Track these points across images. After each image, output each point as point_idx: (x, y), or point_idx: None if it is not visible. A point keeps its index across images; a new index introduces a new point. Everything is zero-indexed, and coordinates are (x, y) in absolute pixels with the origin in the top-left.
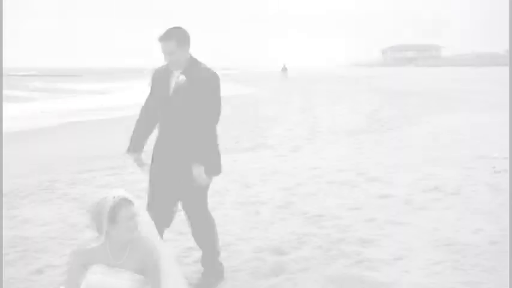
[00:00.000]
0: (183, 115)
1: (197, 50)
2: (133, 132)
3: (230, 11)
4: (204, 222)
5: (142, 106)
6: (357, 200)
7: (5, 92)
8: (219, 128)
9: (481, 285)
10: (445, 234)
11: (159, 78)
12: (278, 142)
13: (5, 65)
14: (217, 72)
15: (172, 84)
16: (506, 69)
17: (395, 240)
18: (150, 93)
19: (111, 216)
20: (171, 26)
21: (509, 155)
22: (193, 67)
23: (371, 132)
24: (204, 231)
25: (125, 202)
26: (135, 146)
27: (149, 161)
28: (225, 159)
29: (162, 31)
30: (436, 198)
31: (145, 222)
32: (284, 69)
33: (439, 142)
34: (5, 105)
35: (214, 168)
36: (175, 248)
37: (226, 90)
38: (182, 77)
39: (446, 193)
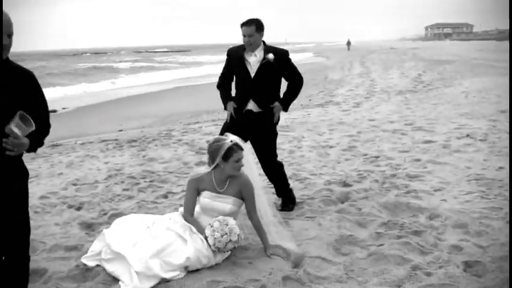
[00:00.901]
0: (266, 81)
1: (284, 29)
2: (222, 93)
3: None
4: (275, 164)
5: (221, 75)
6: (405, 145)
7: (143, 64)
8: None
9: (502, 210)
10: (475, 171)
11: (235, 55)
12: (342, 100)
13: (142, 44)
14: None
15: (251, 60)
16: None
17: (435, 176)
18: (226, 67)
19: (225, 154)
20: (251, 17)
21: None
22: (269, 47)
23: (416, 92)
24: (276, 171)
25: (237, 147)
26: (228, 98)
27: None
28: (301, 113)
29: (244, 19)
30: (468, 143)
31: (248, 163)
32: (348, 42)
33: (470, 100)
34: (143, 74)
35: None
36: (263, 181)
37: (302, 59)
38: (271, 55)
39: (476, 139)
